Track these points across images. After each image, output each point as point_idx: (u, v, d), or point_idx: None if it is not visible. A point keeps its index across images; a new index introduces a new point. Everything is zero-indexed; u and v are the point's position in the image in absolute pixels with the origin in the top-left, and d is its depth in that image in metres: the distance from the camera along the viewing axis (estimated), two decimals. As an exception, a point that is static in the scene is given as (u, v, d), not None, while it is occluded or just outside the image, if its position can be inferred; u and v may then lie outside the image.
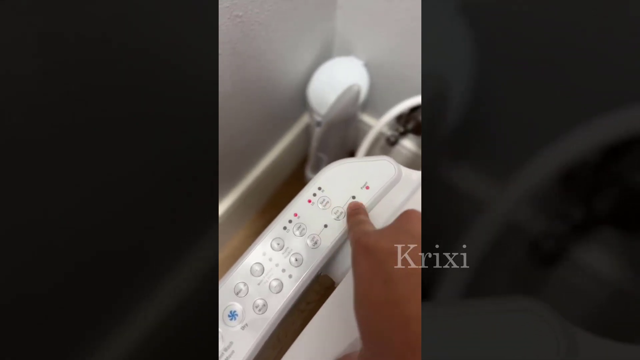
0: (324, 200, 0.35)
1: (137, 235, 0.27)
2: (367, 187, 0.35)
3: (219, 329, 0.31)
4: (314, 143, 0.81)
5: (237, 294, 0.32)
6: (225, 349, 0.30)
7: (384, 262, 0.24)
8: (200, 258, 0.31)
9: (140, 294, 0.28)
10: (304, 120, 1.01)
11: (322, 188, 0.36)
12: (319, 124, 0.76)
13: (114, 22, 0.24)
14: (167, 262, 0.29)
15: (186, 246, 0.30)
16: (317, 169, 0.97)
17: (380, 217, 0.35)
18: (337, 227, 0.34)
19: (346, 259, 0.35)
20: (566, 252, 0.27)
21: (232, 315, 0.32)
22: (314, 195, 0.35)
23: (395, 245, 0.24)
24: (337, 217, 0.34)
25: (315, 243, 0.34)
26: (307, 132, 1.04)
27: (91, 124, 0.24)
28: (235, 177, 0.89)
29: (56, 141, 0.23)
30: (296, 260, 0.33)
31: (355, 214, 0.33)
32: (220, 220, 0.89)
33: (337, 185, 0.36)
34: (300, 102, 0.90)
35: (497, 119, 0.28)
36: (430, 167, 0.30)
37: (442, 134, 0.30)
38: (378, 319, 0.22)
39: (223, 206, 0.89)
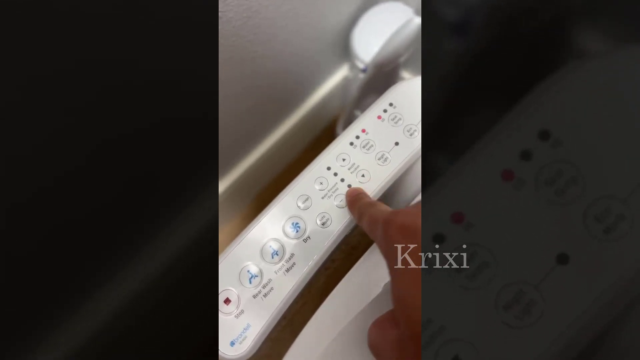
0: (395, 117, 0.32)
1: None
2: (444, 106, 0.32)
3: (281, 242, 0.29)
4: (355, 93, 0.78)
5: (299, 206, 0.30)
6: (287, 260, 0.29)
7: None
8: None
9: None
10: (340, 74, 0.97)
11: (394, 104, 0.33)
12: (363, 70, 0.73)
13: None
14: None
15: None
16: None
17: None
18: (410, 145, 0.31)
19: (416, 180, 0.33)
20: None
21: (295, 226, 0.30)
22: (385, 111, 0.33)
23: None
24: (411, 134, 0.32)
25: (385, 160, 0.31)
26: (341, 88, 1.00)
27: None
28: (268, 127, 0.87)
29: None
30: (363, 176, 0.31)
31: (360, 198, 0.29)
32: (245, 175, 0.87)
33: (410, 102, 0.33)
34: (339, 52, 0.87)
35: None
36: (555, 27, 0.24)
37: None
38: None
39: (251, 159, 0.87)
